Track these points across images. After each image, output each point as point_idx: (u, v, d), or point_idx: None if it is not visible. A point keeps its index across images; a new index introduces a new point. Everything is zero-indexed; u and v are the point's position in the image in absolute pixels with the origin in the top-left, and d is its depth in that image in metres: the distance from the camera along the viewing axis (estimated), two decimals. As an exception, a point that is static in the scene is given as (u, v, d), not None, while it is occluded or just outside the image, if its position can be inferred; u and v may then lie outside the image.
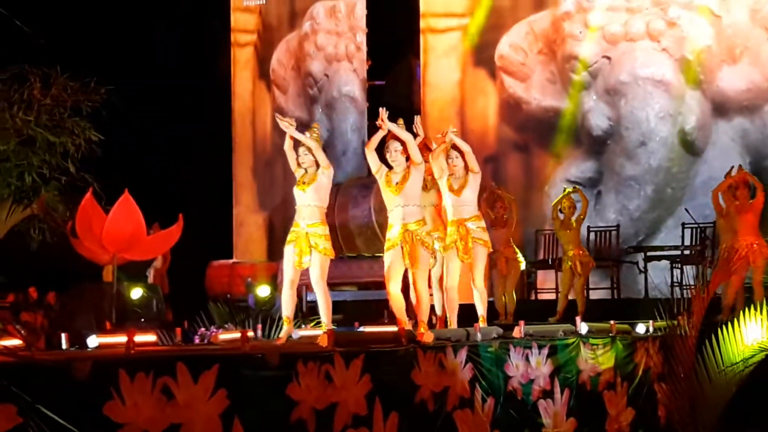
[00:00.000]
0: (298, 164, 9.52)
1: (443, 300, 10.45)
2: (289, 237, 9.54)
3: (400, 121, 9.95)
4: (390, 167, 9.66)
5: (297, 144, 9.54)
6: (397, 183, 9.52)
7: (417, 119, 10.35)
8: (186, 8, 19.39)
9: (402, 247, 9.50)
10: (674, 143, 18.32)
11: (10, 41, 16.33)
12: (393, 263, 9.59)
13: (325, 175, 9.44)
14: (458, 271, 10.27)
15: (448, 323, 10.27)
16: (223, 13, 20.61)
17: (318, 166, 9.40)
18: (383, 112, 9.67)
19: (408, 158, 9.53)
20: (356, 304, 15.40)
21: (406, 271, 9.83)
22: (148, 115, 17.47)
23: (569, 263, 14.40)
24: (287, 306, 9.56)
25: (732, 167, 14.28)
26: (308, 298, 15.27)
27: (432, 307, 10.53)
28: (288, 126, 9.61)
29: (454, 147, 10.34)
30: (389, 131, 9.64)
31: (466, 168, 10.16)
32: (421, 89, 19.49)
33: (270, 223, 19.67)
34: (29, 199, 13.91)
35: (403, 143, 9.52)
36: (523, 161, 17.17)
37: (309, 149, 9.40)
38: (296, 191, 9.50)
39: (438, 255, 10.19)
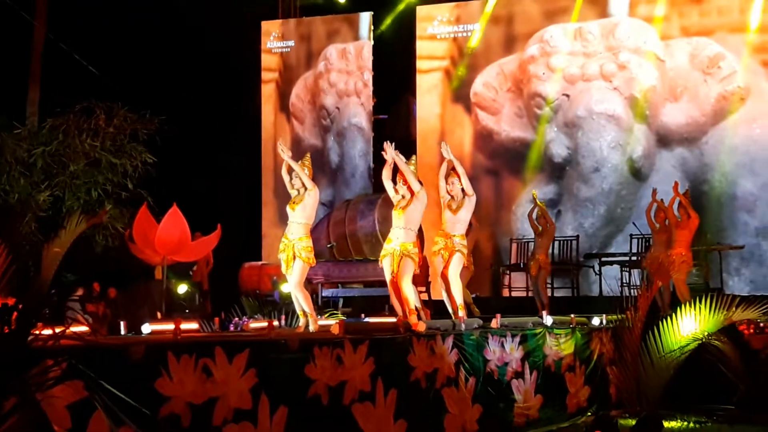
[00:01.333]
0: (291, 186, 9.53)
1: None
2: (281, 248, 9.55)
3: (414, 157, 10.10)
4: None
5: (292, 169, 9.54)
6: (401, 207, 9.57)
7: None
8: (223, 52, 19.28)
9: (392, 258, 9.58)
10: (623, 170, 18.15)
11: (81, 81, 16.50)
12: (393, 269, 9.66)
13: (310, 196, 9.40)
14: (439, 268, 10.21)
15: (454, 313, 10.12)
16: (254, 57, 20.49)
17: (306, 188, 9.39)
18: (387, 145, 9.75)
19: (411, 191, 9.56)
20: (362, 299, 15.33)
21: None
22: (193, 142, 17.44)
23: (536, 264, 14.27)
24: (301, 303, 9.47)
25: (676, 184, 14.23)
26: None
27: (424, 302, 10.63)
28: (284, 152, 9.67)
29: (454, 171, 10.23)
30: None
31: (464, 191, 10.06)
32: (416, 123, 19.29)
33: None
34: (95, 210, 13.95)
35: (403, 177, 9.60)
36: (494, 184, 17.07)
37: (298, 176, 9.42)
38: (288, 210, 9.50)
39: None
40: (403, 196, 9.67)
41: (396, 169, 9.79)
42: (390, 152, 9.77)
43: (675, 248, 13.48)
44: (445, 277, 10.24)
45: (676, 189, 13.92)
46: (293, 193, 9.52)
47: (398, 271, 9.58)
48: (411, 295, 9.70)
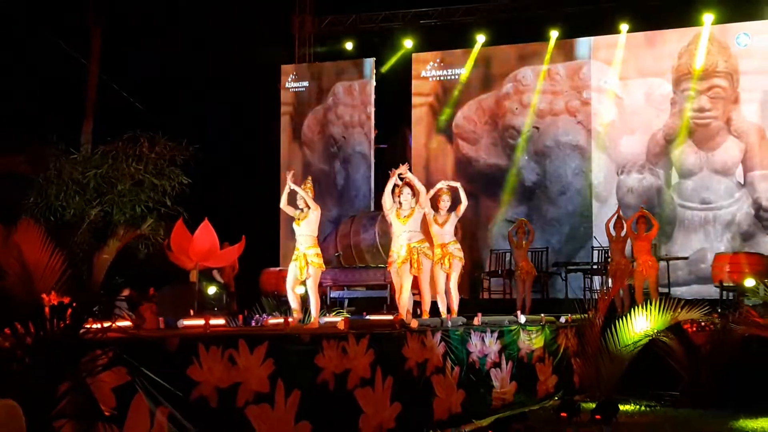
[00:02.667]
0: (296, 206, 9.52)
1: (430, 298, 9.94)
2: (294, 257, 9.52)
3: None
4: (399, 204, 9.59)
5: (294, 192, 9.57)
6: (405, 216, 9.49)
7: (405, 167, 9.91)
8: (249, 90, 19.33)
9: (410, 260, 9.40)
10: (586, 193, 18.12)
11: (128, 114, 16.58)
12: (403, 276, 9.50)
13: (314, 214, 9.44)
14: (443, 278, 10.05)
15: (451, 312, 10.04)
16: (274, 94, 20.53)
17: (309, 207, 9.42)
18: (403, 167, 9.70)
19: (417, 201, 9.51)
20: (365, 300, 15.21)
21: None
22: (222, 166, 17.51)
23: (518, 272, 14.24)
24: (293, 302, 9.50)
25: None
26: (331, 296, 15.44)
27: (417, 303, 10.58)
28: (290, 177, 9.73)
29: (441, 189, 10.28)
30: (403, 180, 9.65)
31: (450, 210, 10.04)
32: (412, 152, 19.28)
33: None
34: (138, 224, 13.97)
35: (415, 191, 9.52)
36: (473, 205, 16.94)
37: (302, 197, 9.45)
38: (294, 226, 9.51)
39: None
40: (401, 207, 9.58)
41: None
42: (409, 175, 9.73)
43: (640, 257, 13.40)
44: (447, 283, 10.16)
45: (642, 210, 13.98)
46: (296, 213, 9.52)
47: (417, 269, 9.46)
48: (427, 293, 9.74)
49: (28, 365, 4.91)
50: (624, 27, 18.23)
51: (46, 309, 5.32)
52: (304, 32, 20.69)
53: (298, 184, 9.68)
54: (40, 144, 14.79)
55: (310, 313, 9.82)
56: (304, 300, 9.85)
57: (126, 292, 11.96)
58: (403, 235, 9.54)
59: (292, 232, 9.77)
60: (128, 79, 18.32)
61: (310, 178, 10.07)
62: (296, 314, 9.50)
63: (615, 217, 13.88)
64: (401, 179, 9.67)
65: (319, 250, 9.54)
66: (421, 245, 9.51)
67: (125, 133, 15.20)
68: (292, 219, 9.69)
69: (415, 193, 9.55)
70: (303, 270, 9.36)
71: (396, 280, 9.74)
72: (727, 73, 17.36)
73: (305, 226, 9.45)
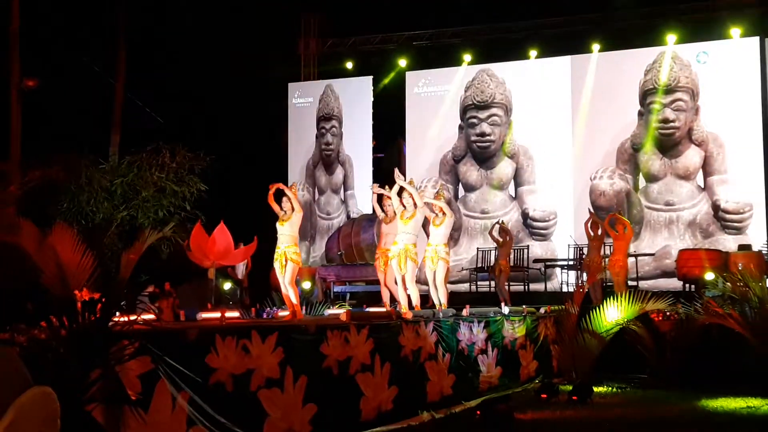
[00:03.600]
0: (281, 208, 9.32)
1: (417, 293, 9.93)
2: (275, 257, 9.35)
3: (412, 179, 10.20)
4: (404, 206, 9.65)
5: (282, 193, 9.39)
6: (407, 218, 9.53)
7: (396, 172, 10.02)
8: (260, 106, 19.33)
9: (399, 259, 9.51)
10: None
11: (151, 128, 16.59)
12: (395, 271, 9.68)
13: (297, 216, 9.30)
14: (431, 274, 10.06)
15: (441, 304, 10.04)
16: (283, 109, 20.52)
17: (293, 209, 9.27)
18: (375, 185, 10.07)
19: (414, 205, 9.55)
20: (365, 294, 15.12)
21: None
22: (236, 174, 17.47)
23: (498, 268, 14.09)
24: (292, 297, 9.33)
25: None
26: (334, 290, 15.43)
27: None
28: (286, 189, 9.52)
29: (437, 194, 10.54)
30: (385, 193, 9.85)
31: (445, 213, 9.96)
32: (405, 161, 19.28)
33: (306, 245, 19.50)
34: (161, 227, 13.97)
35: (410, 194, 9.59)
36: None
37: (288, 198, 9.30)
38: (278, 225, 9.32)
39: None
40: (405, 210, 9.64)
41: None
42: (401, 179, 9.81)
43: (614, 255, 13.35)
44: (433, 279, 10.17)
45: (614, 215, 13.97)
46: (281, 213, 9.33)
47: (404, 268, 9.54)
48: (412, 289, 9.70)
49: (62, 355, 4.92)
50: (596, 47, 18.24)
51: (78, 304, 5.32)
52: (309, 53, 20.74)
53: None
54: (73, 155, 14.84)
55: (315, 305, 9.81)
56: (306, 295, 9.83)
57: (150, 289, 11.92)
58: (401, 235, 9.63)
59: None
60: (152, 97, 18.32)
61: (295, 183, 10.07)
62: (290, 308, 9.39)
63: (590, 218, 13.87)
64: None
65: (298, 249, 9.46)
66: (412, 249, 9.58)
67: (149, 145, 15.33)
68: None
69: (412, 198, 9.61)
70: (283, 267, 9.26)
71: (380, 276, 9.84)
72: (689, 88, 17.38)
73: (288, 227, 9.32)
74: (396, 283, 9.90)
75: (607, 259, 13.56)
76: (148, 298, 11.01)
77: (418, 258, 9.79)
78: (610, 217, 13.82)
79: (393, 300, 10.44)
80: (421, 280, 10.67)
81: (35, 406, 1.84)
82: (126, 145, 16.60)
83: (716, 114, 17.18)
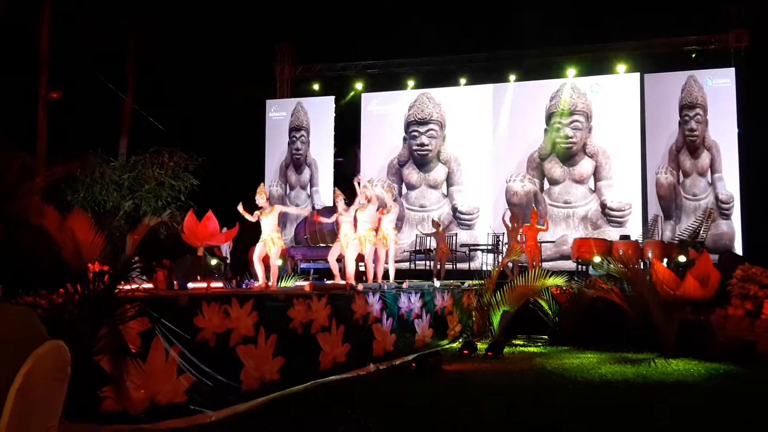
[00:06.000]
0: (259, 206, 9.24)
1: (375, 269, 10.12)
2: (261, 239, 9.19)
3: (371, 180, 10.34)
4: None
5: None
6: (362, 212, 9.66)
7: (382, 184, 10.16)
8: (244, 118, 19.17)
9: (361, 242, 9.60)
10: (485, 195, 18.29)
11: (153, 133, 16.34)
12: (350, 250, 9.69)
13: (276, 209, 9.26)
14: (383, 252, 10.15)
15: (389, 278, 10.15)
16: (261, 121, 20.27)
17: (270, 205, 9.24)
18: (360, 177, 10.01)
19: (368, 200, 9.62)
20: (325, 270, 14.78)
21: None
22: (223, 172, 17.28)
23: (437, 251, 14.11)
24: (259, 272, 9.27)
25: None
26: (301, 266, 15.37)
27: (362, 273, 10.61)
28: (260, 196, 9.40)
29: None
30: (363, 186, 9.85)
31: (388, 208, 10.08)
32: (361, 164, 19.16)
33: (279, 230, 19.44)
34: (160, 213, 13.81)
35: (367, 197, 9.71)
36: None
37: (263, 197, 9.28)
38: (262, 217, 9.15)
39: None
40: (362, 205, 9.71)
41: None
42: (361, 183, 9.95)
43: (528, 242, 13.38)
44: (386, 258, 10.25)
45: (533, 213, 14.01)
46: (256, 212, 9.24)
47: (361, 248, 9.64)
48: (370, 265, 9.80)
49: (75, 315, 4.85)
50: (512, 77, 18.40)
51: (90, 275, 5.23)
52: (284, 77, 20.62)
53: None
54: (89, 154, 14.65)
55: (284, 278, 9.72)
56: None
57: (154, 264, 11.74)
58: (360, 224, 9.67)
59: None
60: (154, 109, 18.04)
61: (262, 184, 9.98)
62: (261, 281, 9.28)
63: (509, 213, 13.96)
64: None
65: (280, 234, 9.38)
66: (368, 233, 9.63)
67: (151, 147, 15.17)
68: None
69: (365, 195, 9.71)
70: (270, 248, 9.16)
71: (347, 254, 9.80)
72: (584, 111, 17.59)
73: (271, 219, 9.19)
74: (340, 260, 9.96)
75: (523, 245, 13.60)
76: (148, 271, 10.83)
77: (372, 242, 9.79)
78: (533, 213, 13.90)
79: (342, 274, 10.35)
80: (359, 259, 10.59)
81: (50, 355, 1.80)
82: (133, 147, 16.43)
83: (605, 132, 17.45)
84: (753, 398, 6.75)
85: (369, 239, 9.65)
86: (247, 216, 9.33)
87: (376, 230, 9.92)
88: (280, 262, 14.74)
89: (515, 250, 13.34)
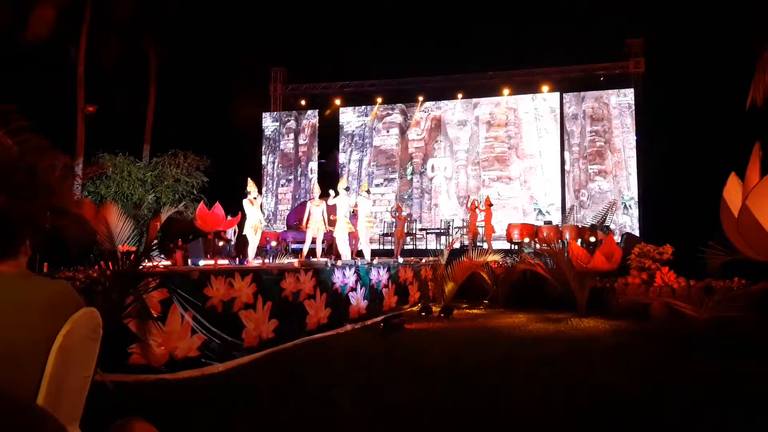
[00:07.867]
0: (252, 201, 9.24)
1: (353, 247, 10.20)
2: (254, 225, 9.25)
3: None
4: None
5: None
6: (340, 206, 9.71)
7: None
8: (244, 128, 19.03)
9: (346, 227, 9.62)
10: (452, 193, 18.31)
11: (170, 139, 16.07)
12: (339, 233, 9.78)
13: (261, 200, 9.17)
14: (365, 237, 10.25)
15: (363, 256, 10.14)
16: (259, 131, 20.12)
17: (260, 195, 9.20)
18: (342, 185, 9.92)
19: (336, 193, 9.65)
20: (312, 250, 15.11)
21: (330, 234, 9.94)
22: (227, 172, 17.10)
23: (397, 234, 14.30)
24: (252, 250, 9.25)
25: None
26: (291, 247, 15.25)
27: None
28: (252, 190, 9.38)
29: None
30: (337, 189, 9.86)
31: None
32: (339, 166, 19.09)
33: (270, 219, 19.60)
34: (177, 205, 13.62)
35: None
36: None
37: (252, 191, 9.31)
38: (252, 207, 9.19)
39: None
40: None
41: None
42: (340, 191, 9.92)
43: (486, 227, 13.32)
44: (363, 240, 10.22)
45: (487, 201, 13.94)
46: (251, 197, 9.21)
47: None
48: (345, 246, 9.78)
49: (108, 287, 4.78)
50: (459, 95, 18.41)
51: (119, 254, 5.17)
52: (277, 94, 20.49)
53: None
54: (118, 156, 14.43)
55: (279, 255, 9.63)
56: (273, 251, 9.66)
57: (171, 246, 11.56)
58: (340, 218, 9.77)
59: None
60: (173, 119, 17.76)
61: (248, 178, 9.91)
62: (250, 257, 9.26)
63: (470, 201, 13.94)
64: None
65: (261, 220, 9.36)
66: (346, 221, 9.73)
67: (170, 150, 14.93)
68: (265, 202, 9.44)
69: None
70: (257, 229, 9.15)
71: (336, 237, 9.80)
72: (516, 123, 17.68)
73: (258, 208, 9.22)
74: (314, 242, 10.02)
75: (482, 229, 13.53)
76: (167, 252, 10.67)
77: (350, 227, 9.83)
78: (487, 201, 13.86)
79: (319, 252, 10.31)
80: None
81: (84, 319, 1.78)
82: (154, 150, 16.20)
83: (533, 140, 17.52)
84: (645, 347, 6.89)
85: (344, 227, 9.70)
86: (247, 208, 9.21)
87: (353, 219, 9.88)
88: (274, 243, 14.66)
89: (475, 231, 13.33)
